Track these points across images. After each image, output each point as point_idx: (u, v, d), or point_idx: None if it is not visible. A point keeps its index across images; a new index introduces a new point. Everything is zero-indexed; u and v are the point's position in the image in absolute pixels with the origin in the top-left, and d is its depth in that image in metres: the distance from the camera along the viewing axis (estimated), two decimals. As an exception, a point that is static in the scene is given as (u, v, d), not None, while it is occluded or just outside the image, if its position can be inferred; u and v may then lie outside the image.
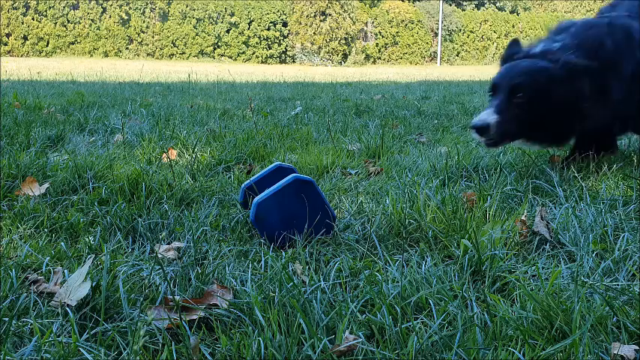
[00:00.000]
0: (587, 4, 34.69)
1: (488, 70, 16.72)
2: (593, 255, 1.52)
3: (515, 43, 2.71)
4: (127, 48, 31.33)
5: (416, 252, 1.59)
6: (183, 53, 31.75)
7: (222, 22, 32.36)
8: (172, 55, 31.66)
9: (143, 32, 31.60)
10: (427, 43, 34.40)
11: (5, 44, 29.27)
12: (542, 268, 1.47)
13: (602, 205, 1.90)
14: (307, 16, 32.41)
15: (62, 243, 1.57)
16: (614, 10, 2.84)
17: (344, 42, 32.78)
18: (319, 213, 1.68)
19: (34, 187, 2.07)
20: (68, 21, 30.34)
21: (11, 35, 29.53)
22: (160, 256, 1.50)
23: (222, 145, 3.06)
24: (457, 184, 2.26)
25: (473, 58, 34.36)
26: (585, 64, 2.35)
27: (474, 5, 38.51)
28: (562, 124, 2.43)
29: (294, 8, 32.55)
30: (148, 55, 31.31)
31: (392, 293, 1.28)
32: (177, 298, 1.23)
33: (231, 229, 1.77)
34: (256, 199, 1.69)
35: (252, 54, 32.60)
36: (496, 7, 38.11)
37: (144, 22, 31.54)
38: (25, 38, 29.72)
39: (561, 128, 2.44)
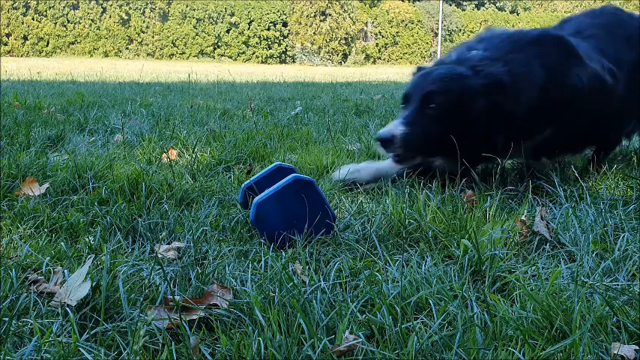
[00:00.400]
0: (587, 4, 34.69)
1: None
2: (593, 255, 1.52)
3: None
4: (127, 48, 31.35)
5: (416, 252, 1.59)
6: (183, 53, 31.77)
7: (222, 22, 32.38)
8: (172, 55, 31.68)
9: (143, 32, 31.62)
10: (427, 43, 34.42)
11: (5, 44, 29.29)
12: (542, 268, 1.47)
13: (602, 205, 1.90)
14: (307, 16, 32.43)
15: (62, 243, 1.57)
16: (562, 28, 2.63)
17: (344, 42, 32.80)
18: (319, 213, 1.68)
19: (34, 187, 2.07)
20: (68, 21, 30.36)
21: (11, 35, 29.55)
22: (160, 256, 1.50)
23: (222, 145, 3.06)
24: (457, 183, 2.26)
25: (473, 58, 34.33)
26: (509, 81, 2.09)
27: (473, 5, 38.52)
28: (480, 141, 2.13)
29: (294, 8, 32.57)
30: (148, 55, 31.33)
31: (392, 293, 1.28)
32: (177, 298, 1.22)
33: (231, 229, 1.77)
34: (256, 199, 1.68)
35: (252, 54, 32.62)
36: (496, 7, 38.13)
37: (144, 22, 31.56)
38: (25, 38, 29.74)
39: (477, 146, 2.13)
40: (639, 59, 2.53)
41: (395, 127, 2.11)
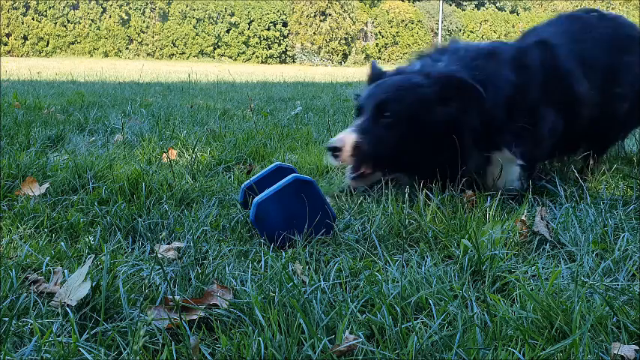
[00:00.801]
0: (587, 3, 34.68)
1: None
2: (593, 255, 1.52)
3: (375, 65, 2.28)
4: (127, 48, 31.36)
5: (416, 252, 1.59)
6: (183, 53, 31.77)
7: (222, 22, 32.39)
8: (172, 55, 31.68)
9: (143, 32, 31.62)
10: (427, 43, 34.39)
11: (5, 44, 29.29)
12: (542, 268, 1.47)
13: (602, 205, 1.90)
14: (307, 16, 32.44)
15: (62, 243, 1.57)
16: (526, 38, 2.47)
17: (344, 42, 32.81)
18: (319, 213, 1.68)
19: (34, 187, 2.07)
20: (68, 21, 30.37)
21: (11, 35, 29.55)
22: (160, 256, 1.50)
23: (222, 145, 3.06)
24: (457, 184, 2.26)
25: (473, 58, 34.34)
26: (467, 82, 1.93)
27: (473, 5, 38.53)
28: (437, 156, 2.00)
29: (294, 8, 32.58)
30: (148, 55, 31.33)
31: (392, 293, 1.28)
32: (177, 298, 1.23)
33: (231, 229, 1.77)
34: (256, 199, 1.68)
35: (252, 54, 32.62)
36: (496, 7, 38.13)
37: (144, 22, 31.56)
38: (25, 38, 29.74)
39: (437, 161, 2.00)
40: (614, 62, 2.40)
41: (346, 134, 1.98)
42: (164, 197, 2.00)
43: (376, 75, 2.21)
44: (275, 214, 1.66)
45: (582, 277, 1.37)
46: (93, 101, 5.30)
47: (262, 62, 31.85)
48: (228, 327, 1.18)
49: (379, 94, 2.02)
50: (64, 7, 30.21)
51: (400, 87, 2.02)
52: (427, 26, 34.46)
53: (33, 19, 29.70)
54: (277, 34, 32.79)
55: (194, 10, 31.99)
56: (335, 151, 1.96)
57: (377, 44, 33.98)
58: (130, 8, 31.35)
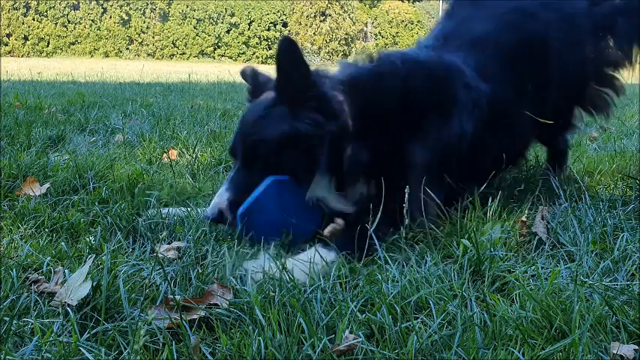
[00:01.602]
0: (588, 4, 34.57)
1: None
2: (593, 255, 1.52)
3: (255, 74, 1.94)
4: (127, 48, 31.37)
5: (416, 252, 1.59)
6: (184, 54, 31.78)
7: (222, 23, 32.40)
8: (173, 55, 31.69)
9: (143, 33, 31.64)
10: (427, 43, 34.38)
11: (6, 44, 29.30)
12: (542, 267, 1.47)
13: (602, 205, 1.90)
14: (307, 16, 32.46)
15: (63, 243, 1.57)
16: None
17: (344, 42, 32.82)
18: (304, 210, 1.66)
19: (35, 187, 2.07)
20: (69, 21, 30.38)
21: (12, 35, 29.56)
22: (160, 255, 1.50)
23: (223, 145, 3.07)
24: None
25: (473, 58, 34.37)
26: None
27: (474, 5, 38.50)
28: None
29: (294, 8, 32.61)
30: (149, 55, 31.33)
31: (392, 293, 1.28)
32: (177, 297, 1.23)
33: (231, 229, 1.77)
34: (238, 211, 1.62)
35: (253, 54, 32.65)
36: (496, 8, 38.06)
37: (144, 22, 31.58)
38: (26, 38, 29.75)
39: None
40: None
41: (220, 197, 1.67)
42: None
43: (259, 89, 1.91)
44: (261, 220, 1.61)
45: (582, 277, 1.37)
46: (93, 101, 5.30)
47: (262, 62, 31.86)
48: (228, 326, 1.18)
49: (246, 133, 1.72)
50: (64, 7, 30.22)
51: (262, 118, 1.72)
52: (427, 26, 34.44)
53: (33, 19, 29.71)
54: (277, 34, 32.81)
55: (194, 10, 32.00)
56: (216, 221, 1.67)
57: (377, 44, 33.98)
58: (131, 9, 31.37)
